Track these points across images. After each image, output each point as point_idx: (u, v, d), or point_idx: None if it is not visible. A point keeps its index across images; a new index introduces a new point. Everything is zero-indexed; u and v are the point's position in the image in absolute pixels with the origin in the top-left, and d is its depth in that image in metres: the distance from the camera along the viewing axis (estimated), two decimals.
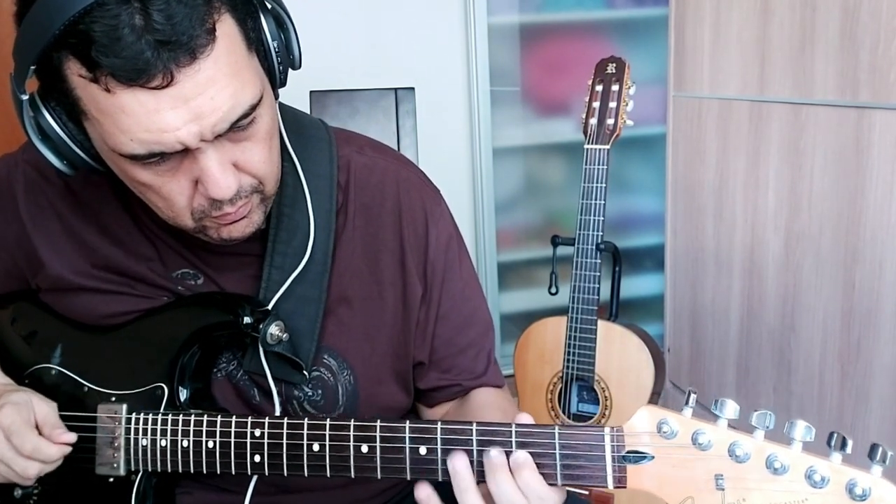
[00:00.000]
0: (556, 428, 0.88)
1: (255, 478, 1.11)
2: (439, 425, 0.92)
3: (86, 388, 1.13)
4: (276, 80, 1.02)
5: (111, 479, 1.10)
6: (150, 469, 1.08)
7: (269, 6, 0.99)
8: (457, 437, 0.91)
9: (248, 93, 0.93)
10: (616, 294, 2.14)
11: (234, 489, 1.15)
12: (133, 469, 1.09)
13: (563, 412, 2.11)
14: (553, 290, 2.22)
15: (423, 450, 0.93)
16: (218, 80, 0.89)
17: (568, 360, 2.07)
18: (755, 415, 0.78)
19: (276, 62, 1.01)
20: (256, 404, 1.15)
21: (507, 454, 0.89)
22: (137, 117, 0.87)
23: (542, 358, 2.14)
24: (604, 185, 2.01)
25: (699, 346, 2.56)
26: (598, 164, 2.02)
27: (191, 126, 0.88)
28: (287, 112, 1.17)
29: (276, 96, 1.06)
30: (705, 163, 2.42)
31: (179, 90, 0.87)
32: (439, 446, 0.92)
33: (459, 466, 0.90)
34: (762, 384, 2.27)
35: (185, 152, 0.92)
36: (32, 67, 0.89)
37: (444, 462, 0.92)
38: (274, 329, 1.07)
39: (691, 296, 2.57)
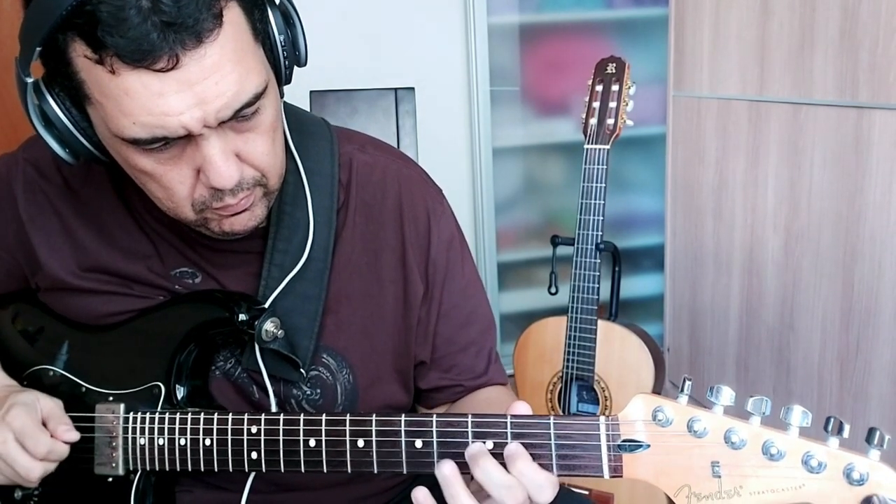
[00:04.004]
0: (552, 418, 0.87)
1: (251, 475, 1.11)
2: (434, 418, 0.92)
3: (84, 388, 1.13)
4: (282, 75, 1.03)
5: (110, 479, 1.10)
6: (148, 468, 1.08)
7: (276, 1, 1.00)
8: (452, 429, 0.91)
9: (252, 81, 0.93)
10: (616, 294, 2.14)
11: (233, 487, 1.14)
12: (132, 468, 1.09)
13: (563, 412, 2.11)
14: (553, 290, 2.21)
15: (418, 443, 0.92)
16: (223, 66, 0.89)
17: (568, 360, 2.06)
18: (751, 401, 0.78)
19: (282, 56, 1.01)
20: (256, 401, 1.15)
21: (503, 444, 0.89)
22: (141, 100, 0.87)
23: (541, 358, 2.14)
24: (603, 184, 2.01)
25: (699, 346, 2.56)
26: (598, 164, 2.02)
27: (194, 111, 0.88)
28: (290, 110, 1.18)
29: (282, 94, 1.06)
30: (705, 162, 2.42)
31: (184, 74, 0.87)
32: (435, 439, 0.91)
33: (447, 471, 0.90)
34: (761, 383, 2.27)
35: (188, 139, 0.92)
36: (38, 49, 0.89)
37: (441, 455, 0.91)
38: (269, 325, 1.07)
39: (691, 295, 2.57)
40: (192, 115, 0.89)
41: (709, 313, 2.48)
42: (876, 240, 1.86)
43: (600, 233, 2.02)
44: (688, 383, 0.81)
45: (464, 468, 0.90)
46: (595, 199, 2.02)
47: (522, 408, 0.91)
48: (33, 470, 1.04)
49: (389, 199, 1.18)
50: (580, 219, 2.04)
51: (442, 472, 0.89)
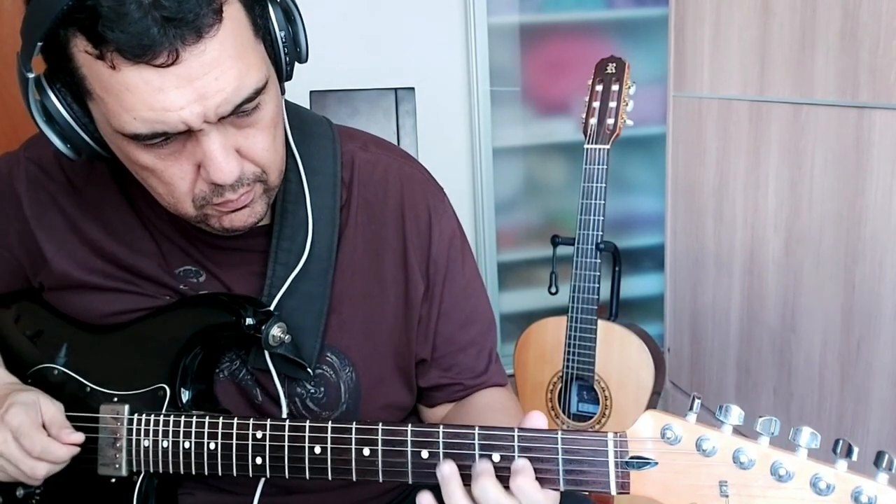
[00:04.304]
0: (559, 433, 0.87)
1: (262, 481, 1.11)
2: (441, 429, 0.92)
3: (88, 389, 1.13)
4: (283, 72, 1.03)
5: (113, 480, 1.10)
6: (151, 470, 1.08)
7: None
8: (459, 440, 0.91)
9: (252, 77, 0.93)
10: (616, 294, 2.14)
11: (236, 490, 1.15)
12: (135, 470, 1.10)
13: (563, 412, 2.11)
14: (553, 289, 2.22)
15: (424, 454, 0.93)
16: (223, 61, 0.89)
17: (568, 360, 2.07)
18: (760, 421, 0.78)
19: (283, 53, 1.01)
20: (259, 405, 1.15)
21: (511, 458, 0.89)
22: (142, 95, 0.88)
23: (542, 358, 2.14)
24: (604, 184, 2.01)
25: (699, 347, 2.56)
26: (598, 164, 2.02)
27: (194, 106, 0.89)
28: (292, 109, 1.18)
29: (283, 91, 1.07)
30: (705, 163, 2.42)
31: (185, 69, 0.87)
32: (441, 450, 0.92)
33: (447, 471, 0.90)
34: (762, 384, 2.27)
35: (189, 135, 0.92)
36: (39, 44, 0.89)
37: None
38: (276, 331, 1.07)
39: (691, 296, 2.57)
40: (192, 111, 0.89)
41: (709, 314, 2.48)
42: (877, 240, 1.86)
43: (600, 233, 2.03)
44: (697, 402, 0.81)
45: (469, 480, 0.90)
46: (595, 199, 2.02)
47: (538, 418, 0.91)
48: (37, 468, 1.04)
49: (391, 198, 1.18)
50: (580, 219, 2.04)
51: (442, 471, 0.90)
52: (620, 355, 2.05)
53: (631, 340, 2.04)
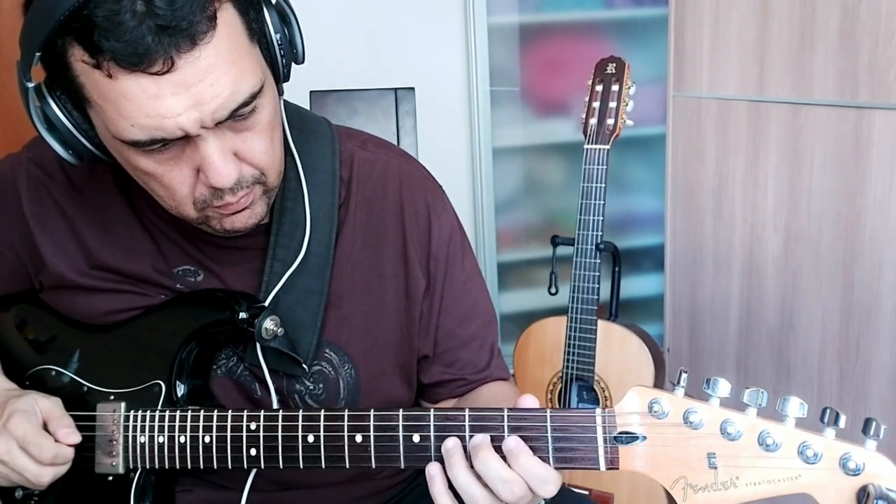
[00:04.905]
0: (548, 411, 0.88)
1: (252, 473, 1.11)
2: (432, 412, 0.93)
3: (86, 388, 1.13)
4: (279, 73, 1.03)
5: (110, 478, 1.10)
6: (148, 466, 1.08)
7: (272, 0, 1.00)
8: (449, 423, 0.91)
9: (248, 81, 0.93)
10: (616, 294, 2.14)
11: (234, 486, 1.15)
12: (132, 467, 1.09)
13: None
14: (553, 290, 2.21)
15: (416, 437, 0.93)
16: (218, 67, 0.90)
17: (568, 360, 2.06)
18: (747, 392, 0.78)
19: (279, 55, 1.02)
20: (258, 399, 1.15)
21: (500, 438, 0.89)
22: (139, 103, 0.88)
23: (541, 358, 2.14)
24: (603, 185, 2.01)
25: (698, 346, 2.55)
26: (598, 164, 2.02)
27: (191, 112, 0.89)
28: (290, 109, 1.19)
29: (281, 91, 1.07)
30: (705, 162, 2.42)
31: (180, 76, 0.87)
32: (432, 433, 0.92)
33: (433, 471, 0.92)
34: (761, 383, 2.24)
35: (187, 140, 0.93)
36: (38, 54, 0.90)
37: (438, 449, 0.92)
38: (269, 324, 1.07)
39: (691, 295, 2.57)
40: (188, 117, 0.89)
41: (709, 313, 2.48)
42: (876, 240, 1.86)
43: (600, 233, 2.02)
44: (684, 376, 0.81)
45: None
46: (595, 200, 2.02)
47: (530, 401, 0.91)
48: (43, 475, 1.04)
49: (390, 195, 1.19)
50: (580, 219, 2.03)
51: (446, 445, 0.91)
52: (620, 355, 2.04)
53: (631, 340, 2.04)
